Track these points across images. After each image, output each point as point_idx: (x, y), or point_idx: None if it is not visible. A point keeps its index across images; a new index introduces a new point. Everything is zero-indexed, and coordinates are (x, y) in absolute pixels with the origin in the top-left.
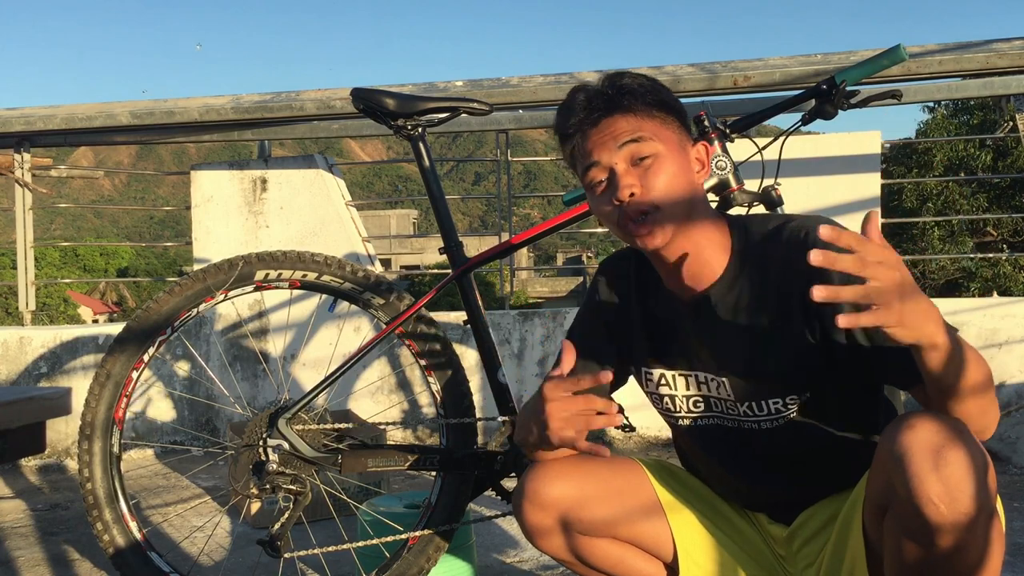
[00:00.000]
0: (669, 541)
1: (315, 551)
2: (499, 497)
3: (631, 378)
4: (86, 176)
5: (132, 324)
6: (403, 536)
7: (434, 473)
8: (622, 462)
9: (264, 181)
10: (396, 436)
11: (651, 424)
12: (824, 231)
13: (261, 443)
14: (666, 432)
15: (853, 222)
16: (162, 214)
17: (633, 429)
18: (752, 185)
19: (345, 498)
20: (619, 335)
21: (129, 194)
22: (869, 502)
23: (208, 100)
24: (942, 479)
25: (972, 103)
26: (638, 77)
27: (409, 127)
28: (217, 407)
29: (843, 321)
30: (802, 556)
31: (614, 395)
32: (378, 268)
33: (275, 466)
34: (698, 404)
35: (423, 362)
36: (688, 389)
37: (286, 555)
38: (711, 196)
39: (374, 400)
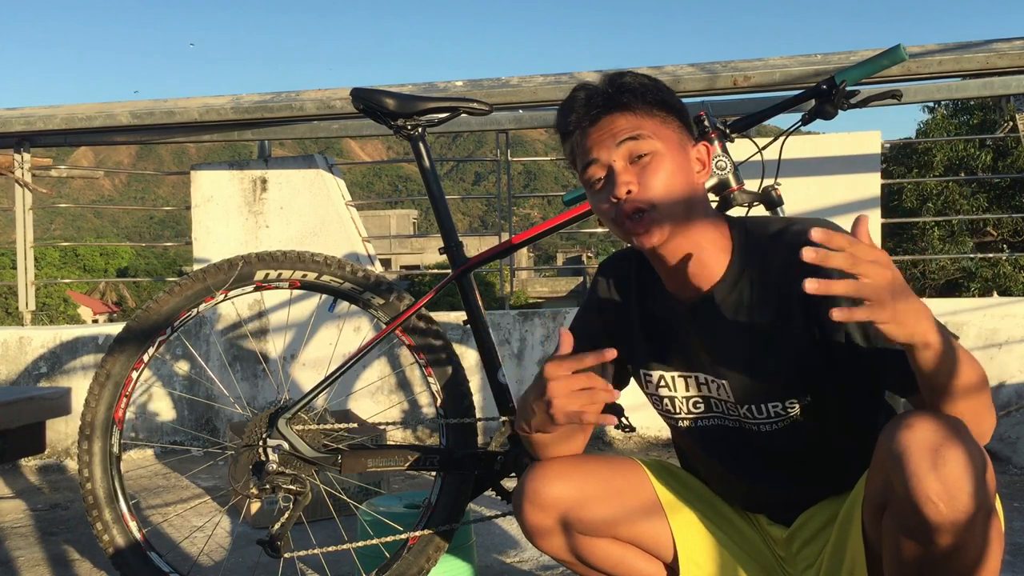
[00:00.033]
0: (669, 541)
1: (315, 551)
2: (499, 497)
3: (631, 379)
4: (86, 176)
5: (132, 324)
6: (403, 536)
7: (434, 473)
8: (622, 462)
9: (264, 181)
10: (396, 436)
11: (651, 424)
12: (816, 233)
13: (261, 443)
14: (666, 432)
15: (853, 222)
16: (162, 214)
17: (633, 429)
18: (752, 185)
19: (345, 498)
20: (619, 336)
21: (129, 194)
22: (868, 501)
23: (208, 100)
24: (941, 478)
25: (972, 103)
26: (639, 76)
27: (409, 127)
28: (217, 407)
29: (837, 314)
30: (802, 557)
31: None
32: (378, 268)
33: (275, 466)
34: (698, 405)
35: (423, 362)
36: (688, 390)
37: (286, 555)
38: (711, 196)
39: (374, 400)
